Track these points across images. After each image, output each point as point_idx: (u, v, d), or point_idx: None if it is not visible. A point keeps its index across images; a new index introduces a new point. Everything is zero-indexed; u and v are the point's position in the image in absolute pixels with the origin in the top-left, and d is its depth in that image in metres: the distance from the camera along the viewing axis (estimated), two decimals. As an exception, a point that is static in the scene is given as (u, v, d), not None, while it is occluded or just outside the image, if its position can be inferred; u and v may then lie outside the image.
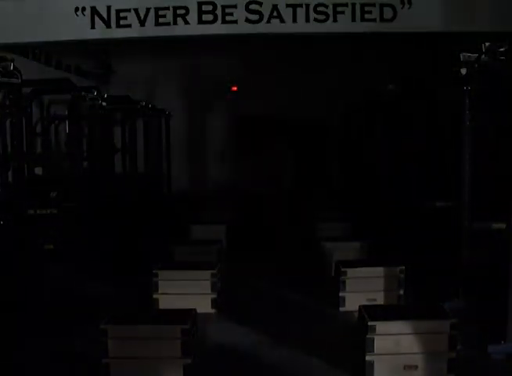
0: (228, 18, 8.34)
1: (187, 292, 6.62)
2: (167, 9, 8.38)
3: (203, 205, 12.55)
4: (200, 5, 8.35)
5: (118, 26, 8.62)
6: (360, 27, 8.29)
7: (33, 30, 8.74)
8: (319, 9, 8.19)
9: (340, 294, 6.75)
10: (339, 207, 11.73)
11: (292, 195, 15.02)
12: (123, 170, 10.92)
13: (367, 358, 4.77)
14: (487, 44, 5.77)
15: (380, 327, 4.78)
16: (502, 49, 5.59)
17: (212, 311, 6.69)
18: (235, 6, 8.25)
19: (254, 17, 8.36)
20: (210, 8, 8.31)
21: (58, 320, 6.13)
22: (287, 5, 8.22)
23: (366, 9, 8.14)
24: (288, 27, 8.36)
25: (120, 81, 14.30)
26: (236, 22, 8.39)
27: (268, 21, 8.33)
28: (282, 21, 8.31)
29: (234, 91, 15.96)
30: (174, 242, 8.83)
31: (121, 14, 8.54)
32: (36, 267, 6.90)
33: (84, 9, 8.57)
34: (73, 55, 12.46)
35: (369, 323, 4.79)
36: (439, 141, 8.20)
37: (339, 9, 8.17)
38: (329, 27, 8.29)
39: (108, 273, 7.95)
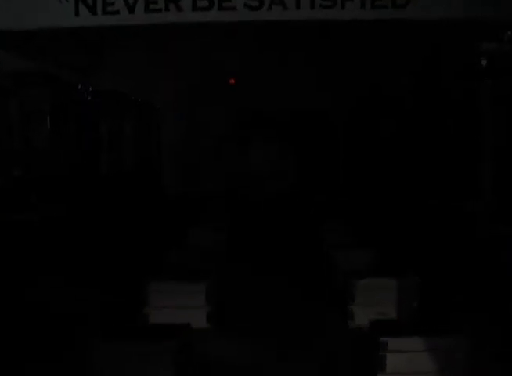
0: (225, 4, 8.32)
1: (180, 305, 6.62)
2: (159, -7, 8.37)
3: (200, 207, 12.56)
4: (194, -11, 8.35)
5: (105, 12, 8.61)
6: (370, 14, 8.28)
7: (11, 17, 8.75)
8: (325, -6, 8.18)
9: (349, 307, 6.76)
10: (347, 210, 11.74)
11: (296, 196, 15.05)
12: (111, 169, 10.94)
13: (378, 377, 4.80)
14: (509, 32, 5.79)
15: (393, 343, 4.80)
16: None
17: (207, 326, 6.70)
18: (233, -9, 8.25)
19: (254, 3, 8.36)
20: (205, -7, 8.31)
21: (34, 338, 6.15)
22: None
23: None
24: (291, 14, 8.35)
25: (107, 74, 14.32)
26: (234, 8, 8.39)
27: (270, 8, 8.33)
28: (284, 8, 8.30)
29: (232, 84, 15.99)
30: (167, 248, 8.82)
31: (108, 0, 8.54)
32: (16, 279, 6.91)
33: (67, -7, 8.57)
34: (55, 44, 12.47)
35: (381, 340, 4.80)
36: (457, 138, 8.23)
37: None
38: (336, 13, 8.28)
39: (93, 284, 7.96)
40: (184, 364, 4.82)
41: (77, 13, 8.68)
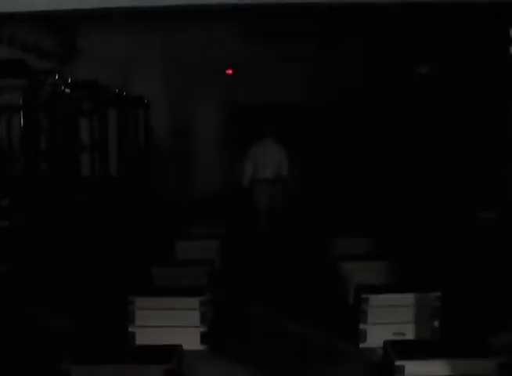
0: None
1: (171, 324, 6.61)
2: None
3: (192, 216, 12.55)
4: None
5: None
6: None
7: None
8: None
9: (361, 326, 6.74)
10: (359, 218, 11.72)
11: (301, 202, 15.03)
12: (91, 173, 10.91)
13: (394, 406, 4.78)
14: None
15: (410, 367, 4.78)
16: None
17: (202, 348, 6.68)
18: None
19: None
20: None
21: (12, 358, 6.13)
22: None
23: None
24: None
25: (88, 63, 14.32)
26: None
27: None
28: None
29: (229, 74, 15.99)
30: (155, 262, 8.82)
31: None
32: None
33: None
34: (29, 30, 12.47)
35: (397, 363, 4.79)
36: (482, 139, 8.23)
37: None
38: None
39: (73, 301, 7.94)
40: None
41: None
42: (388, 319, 6.66)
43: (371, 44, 14.26)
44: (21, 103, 8.78)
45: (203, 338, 6.71)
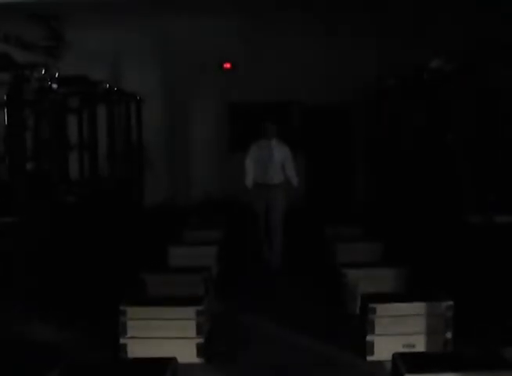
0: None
1: (165, 336, 6.60)
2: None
3: (187, 220, 12.56)
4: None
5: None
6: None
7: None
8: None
9: (368, 338, 6.73)
10: (365, 222, 11.73)
11: (304, 205, 15.05)
12: (80, 173, 10.91)
13: (404, 423, 4.77)
14: None
15: (421, 382, 4.78)
16: None
17: (198, 360, 6.67)
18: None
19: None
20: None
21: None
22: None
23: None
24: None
25: (76, 56, 14.33)
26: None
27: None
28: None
29: (227, 69, 16.00)
30: (147, 268, 8.81)
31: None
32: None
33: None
34: (14, 22, 12.49)
35: (407, 377, 4.78)
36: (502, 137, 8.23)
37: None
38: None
39: (60, 312, 7.94)
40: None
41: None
42: (397, 331, 6.65)
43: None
44: (5, 98, 8.78)
45: (200, 350, 6.70)
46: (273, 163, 10.66)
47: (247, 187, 10.76)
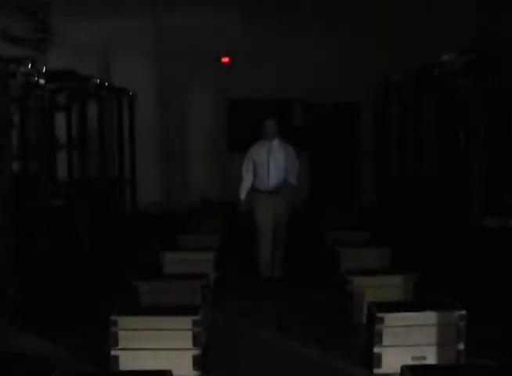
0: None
1: (159, 347, 6.60)
2: None
3: (181, 223, 12.55)
4: None
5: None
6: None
7: None
8: None
9: (375, 349, 6.73)
10: (372, 226, 11.74)
11: (306, 208, 15.05)
12: (68, 173, 10.92)
13: None
14: None
15: (432, 396, 4.78)
16: None
17: (194, 373, 6.67)
18: None
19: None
20: None
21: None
22: None
23: None
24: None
25: (65, 50, 14.35)
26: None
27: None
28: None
29: (225, 63, 16.02)
30: (139, 276, 8.81)
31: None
32: None
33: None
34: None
35: (417, 392, 4.79)
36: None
37: None
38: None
39: (47, 322, 7.94)
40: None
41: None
42: (406, 342, 6.65)
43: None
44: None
45: (196, 362, 6.70)
46: (276, 167, 10.13)
47: (240, 198, 10.24)
